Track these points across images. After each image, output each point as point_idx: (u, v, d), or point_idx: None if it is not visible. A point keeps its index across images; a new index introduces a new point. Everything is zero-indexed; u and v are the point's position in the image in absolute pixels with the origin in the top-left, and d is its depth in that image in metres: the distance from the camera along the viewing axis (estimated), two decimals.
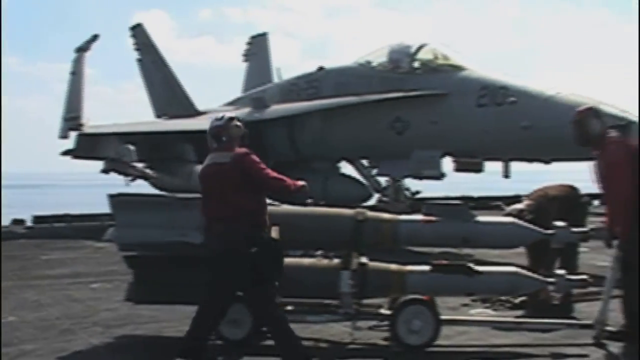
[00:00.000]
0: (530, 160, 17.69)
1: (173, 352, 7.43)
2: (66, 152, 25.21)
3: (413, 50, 19.75)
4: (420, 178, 19.46)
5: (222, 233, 7.33)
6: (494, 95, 17.08)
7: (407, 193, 21.60)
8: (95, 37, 23.97)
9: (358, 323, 8.65)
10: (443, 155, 18.59)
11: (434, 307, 8.45)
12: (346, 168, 23.20)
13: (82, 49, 23.85)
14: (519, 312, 10.16)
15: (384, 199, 21.69)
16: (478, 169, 18.68)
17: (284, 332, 7.40)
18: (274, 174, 7.52)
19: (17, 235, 21.15)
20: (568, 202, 10.42)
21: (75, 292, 12.18)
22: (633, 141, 8.68)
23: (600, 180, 8.61)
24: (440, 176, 18.71)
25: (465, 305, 10.63)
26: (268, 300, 7.42)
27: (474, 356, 8.30)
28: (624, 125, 8.84)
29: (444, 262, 8.57)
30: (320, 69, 22.66)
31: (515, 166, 18.02)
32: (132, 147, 22.50)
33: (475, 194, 34.98)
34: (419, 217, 8.98)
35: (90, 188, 45.65)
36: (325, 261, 8.79)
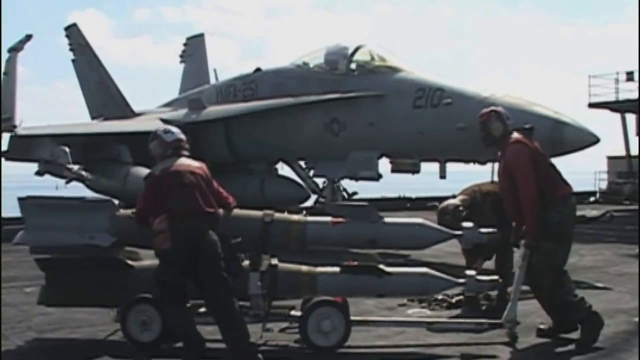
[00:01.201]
0: (466, 161, 17.82)
1: (107, 356, 7.39)
2: None
3: (350, 51, 19.77)
4: (357, 179, 19.54)
5: (200, 228, 7.82)
6: (430, 96, 17.16)
7: (344, 194, 21.65)
8: (28, 37, 23.69)
9: (273, 325, 8.71)
10: (380, 157, 18.65)
11: (343, 308, 8.44)
12: (283, 169, 23.21)
13: (14, 49, 23.54)
14: (456, 312, 10.27)
15: (321, 200, 21.72)
16: (415, 170, 18.80)
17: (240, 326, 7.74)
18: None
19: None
20: (500, 199, 10.58)
21: (8, 296, 11.96)
22: (533, 143, 8.95)
23: (500, 179, 9.09)
24: (377, 177, 18.77)
25: (403, 305, 10.70)
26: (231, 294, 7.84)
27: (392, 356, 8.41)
28: (527, 128, 9.12)
29: (353, 263, 8.65)
30: (257, 70, 22.64)
31: (452, 167, 18.16)
32: (67, 149, 22.19)
33: (413, 194, 35.29)
34: (327, 218, 9.04)
35: (24, 190, 45.03)
36: None
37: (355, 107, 18.59)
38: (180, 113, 24.80)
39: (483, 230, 9.08)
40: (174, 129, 8.64)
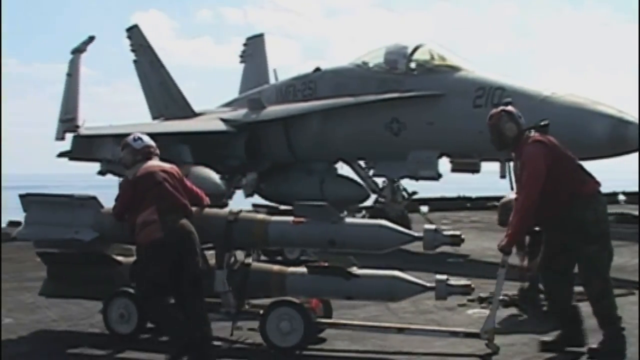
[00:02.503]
0: None
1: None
2: (62, 154, 25.16)
3: (409, 51, 19.74)
4: (417, 179, 19.46)
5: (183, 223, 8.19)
6: (491, 95, 17.06)
7: (404, 194, 21.56)
8: (91, 39, 23.92)
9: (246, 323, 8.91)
10: (440, 156, 18.61)
11: (304, 309, 8.43)
12: (343, 169, 23.18)
13: (78, 50, 23.79)
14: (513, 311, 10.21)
15: (381, 199, 21.65)
16: (475, 170, 18.69)
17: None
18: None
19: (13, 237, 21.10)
20: None
21: None
22: (552, 140, 8.45)
23: (518, 182, 8.64)
24: (436, 177, 18.71)
25: (463, 305, 10.65)
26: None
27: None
28: (543, 125, 8.69)
29: (321, 264, 8.71)
30: (317, 70, 22.67)
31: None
32: None
33: (473, 194, 35.04)
34: (289, 218, 9.01)
35: (87, 190, 45.70)
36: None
37: (415, 106, 18.55)
38: (240, 113, 24.90)
39: (446, 232, 8.76)
40: (144, 137, 9.18)
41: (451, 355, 8.39)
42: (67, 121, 22.93)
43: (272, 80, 29.52)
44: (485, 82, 17.46)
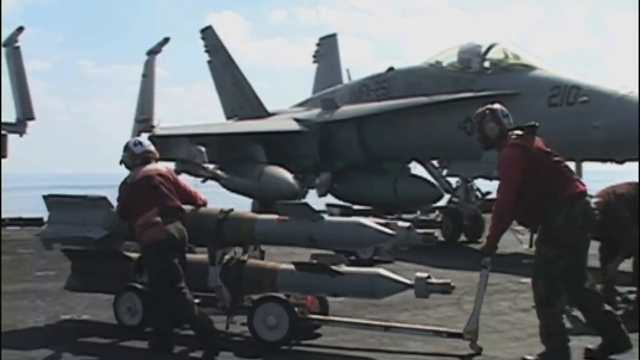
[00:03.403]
0: (603, 160, 17.44)
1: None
2: None
3: (483, 49, 19.62)
4: (491, 179, 19.27)
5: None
6: (566, 94, 16.87)
7: (477, 194, 21.38)
8: (166, 40, 24.24)
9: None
10: None
11: (289, 304, 8.62)
12: (416, 169, 23.11)
13: (153, 52, 24.13)
14: None
15: (455, 199, 21.53)
16: None
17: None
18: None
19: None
20: (636, 200, 10.21)
21: None
22: (536, 142, 8.18)
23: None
24: None
25: None
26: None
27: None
28: (530, 125, 8.36)
29: (308, 262, 8.84)
30: (390, 69, 22.66)
31: (589, 166, 17.82)
32: (203, 149, 22.71)
33: None
34: (273, 216, 9.23)
35: None
36: (201, 257, 9.38)
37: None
38: (314, 113, 25.02)
39: (419, 230, 8.77)
40: (145, 142, 9.58)
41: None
42: (143, 121, 23.30)
43: (345, 80, 29.59)
44: (561, 81, 17.26)
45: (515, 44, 19.96)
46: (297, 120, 25.08)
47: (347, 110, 23.12)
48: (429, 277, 8.38)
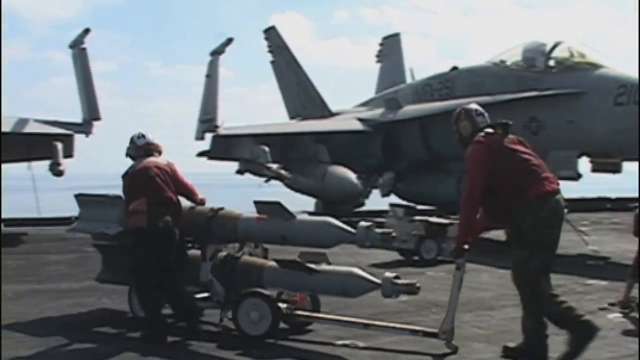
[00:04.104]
0: None
1: None
2: (202, 154, 25.80)
3: (548, 48, 19.48)
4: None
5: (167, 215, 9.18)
6: (633, 93, 16.67)
7: None
8: (229, 41, 24.39)
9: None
10: (579, 156, 18.25)
11: (271, 300, 8.81)
12: None
13: (217, 52, 24.31)
14: None
15: None
16: (616, 170, 18.27)
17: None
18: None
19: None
20: None
21: None
22: (506, 140, 8.13)
23: None
24: (576, 177, 18.33)
25: (604, 309, 10.45)
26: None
27: None
28: (502, 123, 8.21)
29: (289, 259, 9.01)
30: (454, 68, 22.60)
31: None
32: (266, 148, 22.84)
33: (613, 195, 34.14)
34: (255, 215, 9.47)
35: (225, 189, 46.55)
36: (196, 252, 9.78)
37: (554, 105, 18.28)
38: (377, 112, 25.05)
39: (378, 230, 8.78)
40: (148, 135, 9.87)
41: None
42: (207, 121, 23.48)
43: (409, 80, 29.55)
44: (628, 80, 17.05)
45: (581, 42, 19.75)
46: (360, 120, 25.13)
47: (411, 109, 23.11)
48: (396, 277, 8.40)
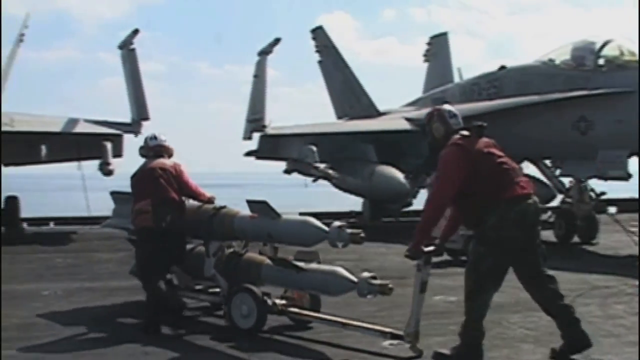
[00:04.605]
0: None
1: None
2: (249, 153, 25.92)
3: (597, 47, 19.27)
4: (606, 179, 18.92)
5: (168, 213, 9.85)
6: None
7: (591, 194, 20.97)
8: (277, 41, 24.48)
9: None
10: (630, 155, 18.06)
11: (257, 296, 9.20)
12: (529, 169, 22.80)
13: (264, 52, 24.40)
14: None
15: (568, 200, 21.16)
16: None
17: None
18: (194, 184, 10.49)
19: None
20: None
21: None
22: (480, 143, 8.12)
23: None
24: (626, 177, 18.14)
25: None
26: None
27: None
28: (478, 126, 8.15)
29: (279, 257, 9.67)
30: (502, 68, 22.45)
31: None
32: (314, 148, 22.87)
33: None
34: (248, 213, 9.88)
35: (272, 188, 46.72)
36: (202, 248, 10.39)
37: (604, 104, 18.11)
38: (424, 112, 24.86)
39: (348, 230, 8.86)
40: (160, 137, 10.57)
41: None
42: (254, 121, 23.60)
43: (456, 79, 29.41)
44: None
45: (632, 40, 19.52)
46: (408, 119, 25.08)
47: (458, 109, 22.83)
48: (373, 277, 8.56)
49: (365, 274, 8.64)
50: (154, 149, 10.44)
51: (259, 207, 9.62)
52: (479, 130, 8.23)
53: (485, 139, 8.20)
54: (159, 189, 9.92)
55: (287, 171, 24.92)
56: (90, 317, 10.26)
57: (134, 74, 22.47)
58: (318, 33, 32.52)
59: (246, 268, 9.76)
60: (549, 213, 22.76)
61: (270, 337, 9.09)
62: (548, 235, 15.13)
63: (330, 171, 24.09)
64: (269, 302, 9.34)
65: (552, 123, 19.39)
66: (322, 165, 23.76)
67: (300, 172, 24.68)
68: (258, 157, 25.79)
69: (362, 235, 8.96)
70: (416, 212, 27.56)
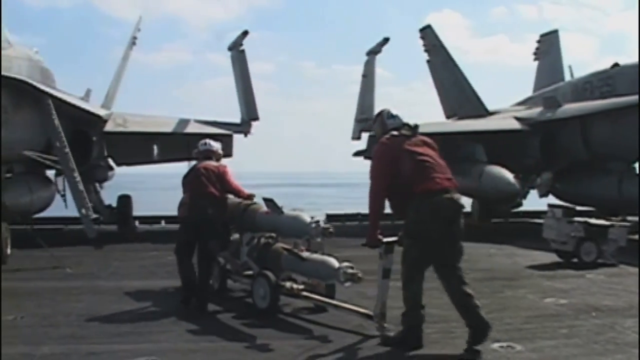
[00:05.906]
0: None
1: None
2: (358, 153, 25.98)
3: None
4: None
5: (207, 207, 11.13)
6: None
7: None
8: (386, 40, 24.51)
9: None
10: None
11: (270, 280, 10.35)
12: None
13: (373, 52, 24.44)
14: None
15: None
16: None
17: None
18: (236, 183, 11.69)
19: None
20: None
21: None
22: (408, 140, 8.69)
23: None
24: None
25: None
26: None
27: None
28: (413, 126, 8.79)
29: (289, 248, 10.76)
30: (615, 65, 21.97)
31: None
32: None
33: None
34: (266, 209, 11.36)
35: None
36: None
37: None
38: (535, 111, 24.65)
39: (323, 225, 10.35)
40: (210, 142, 12.02)
41: None
42: (363, 121, 23.68)
43: (567, 77, 28.90)
44: None
45: None
46: (518, 119, 24.79)
47: (570, 108, 22.62)
48: (349, 267, 9.56)
49: (345, 264, 9.63)
50: (203, 153, 11.88)
51: (269, 204, 11.11)
52: (412, 129, 8.88)
53: (417, 138, 8.83)
54: (199, 185, 11.20)
55: None
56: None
57: (243, 74, 22.81)
58: (427, 32, 32.38)
59: (272, 257, 11.04)
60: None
61: (285, 318, 10.19)
62: None
63: None
64: (287, 285, 10.54)
65: None
66: None
67: None
68: (367, 157, 25.83)
69: (331, 230, 10.39)
70: (526, 213, 27.20)
